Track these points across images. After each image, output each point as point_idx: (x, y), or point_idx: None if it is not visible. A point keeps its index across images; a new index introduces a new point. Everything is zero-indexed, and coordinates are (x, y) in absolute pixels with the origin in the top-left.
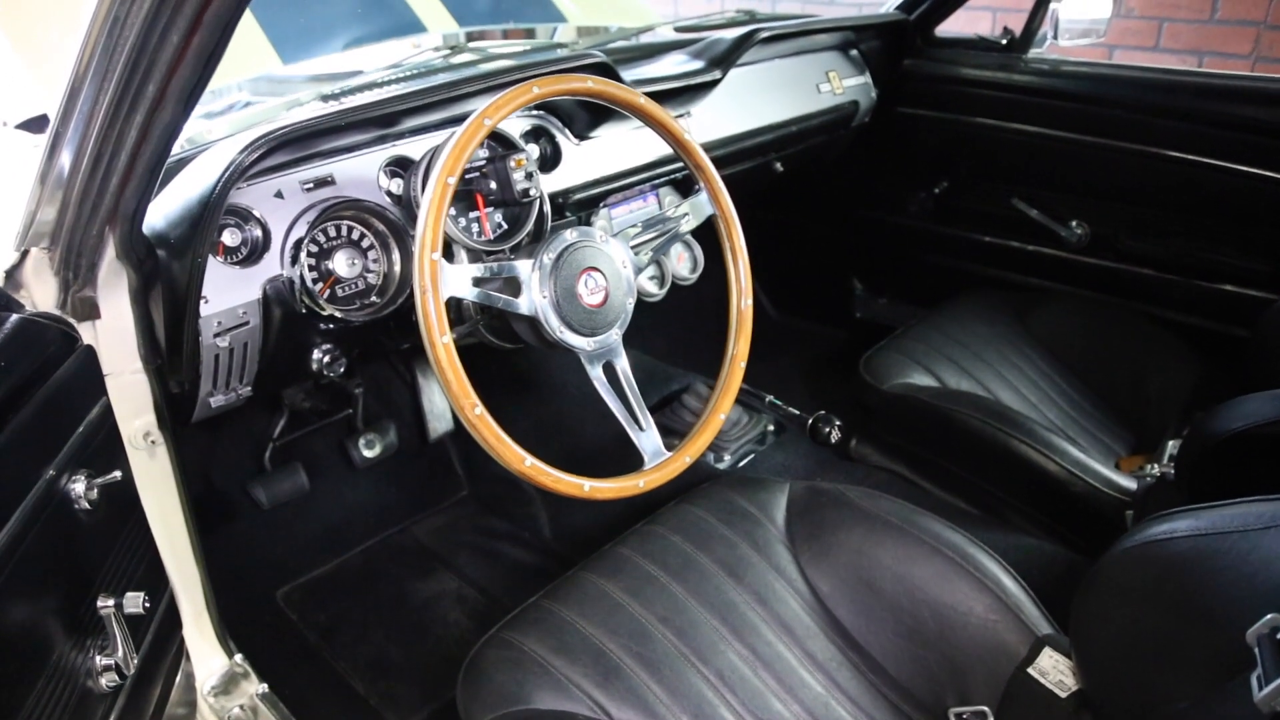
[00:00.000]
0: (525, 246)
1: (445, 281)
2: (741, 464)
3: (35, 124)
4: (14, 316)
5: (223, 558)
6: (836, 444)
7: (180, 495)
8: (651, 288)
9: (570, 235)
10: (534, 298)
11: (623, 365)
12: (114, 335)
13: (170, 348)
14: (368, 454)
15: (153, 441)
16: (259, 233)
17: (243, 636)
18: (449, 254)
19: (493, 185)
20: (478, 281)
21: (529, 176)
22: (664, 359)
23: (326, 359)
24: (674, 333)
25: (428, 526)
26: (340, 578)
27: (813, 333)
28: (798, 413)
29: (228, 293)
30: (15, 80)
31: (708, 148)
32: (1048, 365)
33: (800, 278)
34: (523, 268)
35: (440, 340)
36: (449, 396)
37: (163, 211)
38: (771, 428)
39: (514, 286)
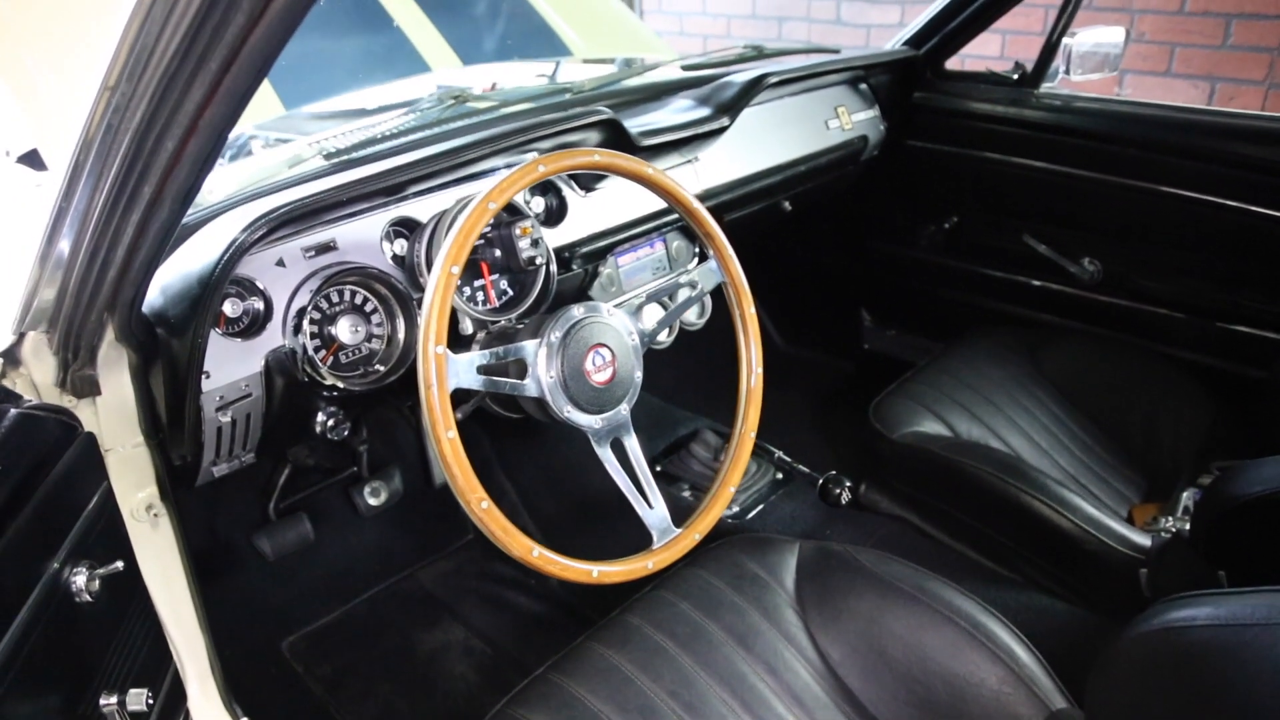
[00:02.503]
0: (531, 320)
1: (451, 374)
2: (750, 515)
3: (31, 159)
4: (12, 411)
5: (227, 609)
6: (848, 504)
7: (184, 565)
8: (660, 336)
9: (577, 311)
10: (541, 377)
11: (632, 444)
12: (115, 412)
13: (172, 423)
14: (373, 502)
15: (155, 514)
16: (260, 304)
17: (248, 692)
18: (453, 321)
19: (497, 253)
20: (483, 369)
21: (535, 244)
22: (670, 398)
23: (330, 422)
24: (681, 369)
25: (433, 572)
26: (346, 627)
27: (820, 364)
28: (807, 471)
29: (229, 366)
30: (8, 110)
31: (715, 193)
32: (1059, 407)
33: (808, 309)
34: (529, 347)
35: (446, 436)
36: (454, 491)
37: (161, 287)
38: (780, 475)
39: (520, 367)
